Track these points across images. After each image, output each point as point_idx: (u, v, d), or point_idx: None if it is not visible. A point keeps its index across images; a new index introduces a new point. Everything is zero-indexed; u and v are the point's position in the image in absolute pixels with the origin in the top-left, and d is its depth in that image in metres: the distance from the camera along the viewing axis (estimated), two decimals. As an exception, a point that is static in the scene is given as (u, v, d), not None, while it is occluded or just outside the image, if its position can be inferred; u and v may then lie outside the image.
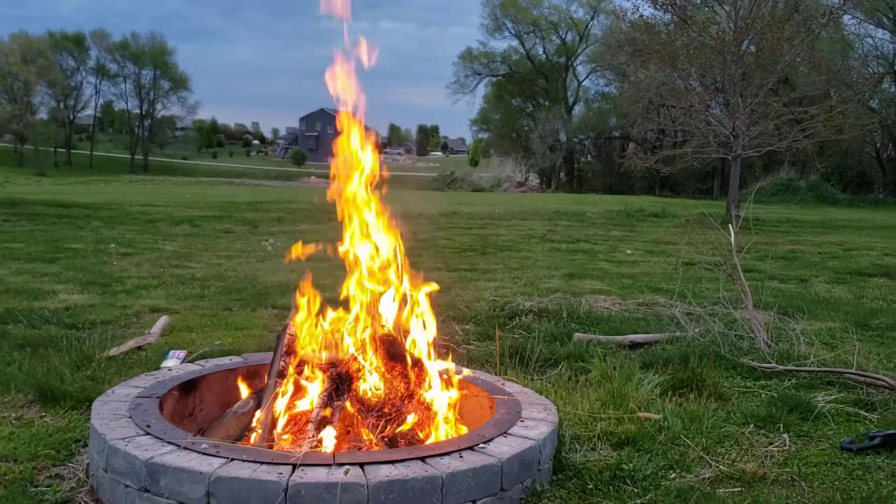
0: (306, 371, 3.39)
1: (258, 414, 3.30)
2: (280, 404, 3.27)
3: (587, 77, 61.87)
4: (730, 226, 6.24)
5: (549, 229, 16.37)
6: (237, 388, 3.78)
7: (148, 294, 7.04)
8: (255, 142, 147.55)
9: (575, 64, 62.50)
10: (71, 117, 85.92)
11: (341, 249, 3.61)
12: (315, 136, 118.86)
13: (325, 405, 3.16)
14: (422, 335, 3.59)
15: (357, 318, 3.53)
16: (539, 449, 3.05)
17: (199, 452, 2.73)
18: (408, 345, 3.54)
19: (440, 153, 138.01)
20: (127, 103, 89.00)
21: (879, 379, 4.61)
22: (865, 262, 11.55)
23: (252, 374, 3.79)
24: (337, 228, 3.64)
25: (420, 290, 3.62)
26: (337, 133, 3.58)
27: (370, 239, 3.60)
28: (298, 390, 3.36)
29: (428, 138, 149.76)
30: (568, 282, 8.59)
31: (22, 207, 16.04)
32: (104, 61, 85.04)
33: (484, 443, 2.96)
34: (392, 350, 3.47)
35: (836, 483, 3.26)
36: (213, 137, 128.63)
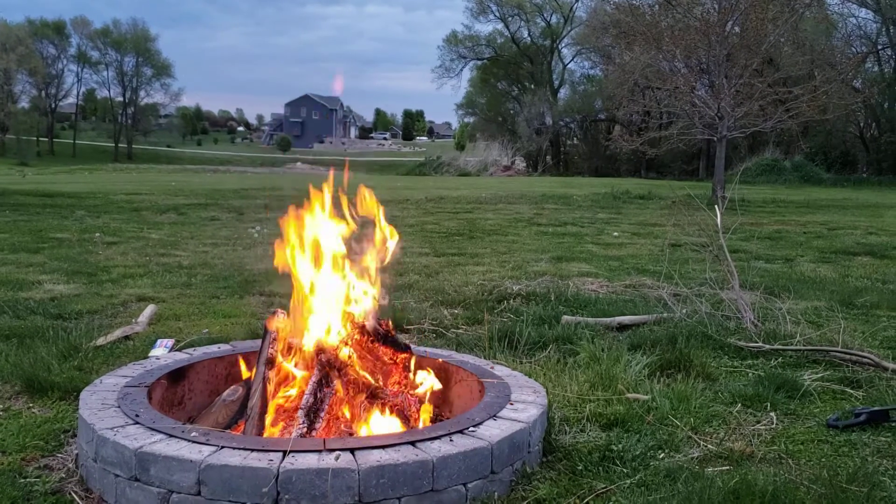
0: (295, 358, 3.39)
1: (248, 401, 3.30)
2: (269, 391, 3.26)
3: (572, 60, 61.75)
4: (716, 207, 6.28)
5: (535, 213, 16.38)
6: (226, 376, 3.78)
7: (134, 283, 7.00)
8: (240, 128, 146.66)
9: (560, 46, 62.35)
10: (53, 106, 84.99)
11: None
12: (300, 122, 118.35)
13: (314, 391, 3.15)
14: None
15: (345, 305, 3.52)
16: (529, 431, 3.06)
17: (188, 441, 2.73)
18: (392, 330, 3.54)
19: (426, 138, 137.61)
20: (109, 91, 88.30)
21: (864, 356, 4.65)
22: (850, 241, 11.64)
23: (240, 362, 3.78)
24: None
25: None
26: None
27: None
28: (288, 377, 3.36)
29: (414, 123, 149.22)
30: (555, 265, 8.61)
31: (5, 197, 15.89)
32: (85, 49, 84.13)
33: (474, 426, 2.97)
34: (380, 335, 3.47)
35: (823, 460, 3.29)
36: (198, 124, 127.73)
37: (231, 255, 9.14)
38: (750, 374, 4.49)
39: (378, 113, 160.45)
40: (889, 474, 3.11)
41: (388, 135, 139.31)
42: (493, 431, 2.94)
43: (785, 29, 21.36)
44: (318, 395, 3.16)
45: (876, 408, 3.74)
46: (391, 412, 3.29)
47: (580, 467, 3.12)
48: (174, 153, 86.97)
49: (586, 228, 13.31)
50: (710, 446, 3.38)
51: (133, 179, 30.46)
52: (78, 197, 16.93)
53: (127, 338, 4.95)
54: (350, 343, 3.41)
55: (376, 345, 3.47)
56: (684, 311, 5.71)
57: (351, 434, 3.10)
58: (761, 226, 13.56)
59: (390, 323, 3.59)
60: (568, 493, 2.91)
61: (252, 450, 2.66)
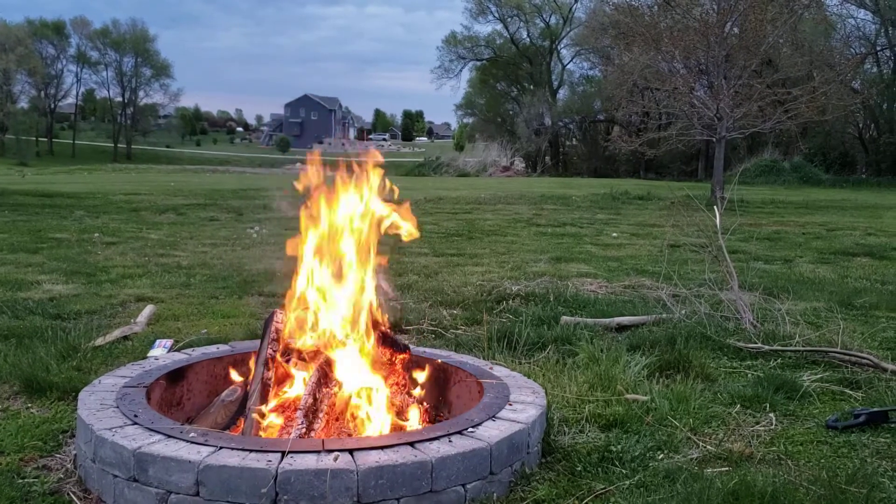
0: (294, 358, 3.38)
1: (247, 402, 3.29)
2: (268, 392, 3.26)
3: (571, 60, 61.74)
4: (714, 207, 6.27)
5: (535, 213, 16.38)
6: (224, 377, 3.77)
7: (133, 283, 7.00)
8: (239, 129, 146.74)
9: (559, 47, 62.33)
10: (52, 106, 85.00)
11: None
12: (299, 123, 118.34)
13: (313, 392, 3.15)
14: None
15: (345, 304, 3.52)
16: (528, 432, 3.06)
17: (187, 441, 2.72)
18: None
19: (425, 138, 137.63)
20: (109, 91, 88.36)
21: (863, 357, 4.65)
22: (849, 241, 11.64)
23: (239, 362, 3.78)
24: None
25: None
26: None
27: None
28: (286, 377, 3.35)
29: (413, 123, 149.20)
30: (554, 265, 8.61)
31: (4, 197, 15.88)
32: (85, 49, 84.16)
33: (473, 427, 2.97)
34: (381, 335, 3.47)
35: (822, 461, 3.29)
36: (197, 125, 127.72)
37: (230, 255, 9.14)
38: (749, 375, 4.49)
39: (378, 113, 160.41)
40: (888, 475, 3.11)
41: (387, 135, 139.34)
42: (491, 432, 2.94)
43: (784, 30, 21.38)
44: (317, 396, 3.15)
45: (875, 409, 3.74)
46: (390, 412, 3.29)
47: (579, 468, 3.12)
48: (173, 153, 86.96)
49: (585, 229, 13.31)
50: (709, 447, 3.38)
51: (132, 179, 30.45)
52: (77, 197, 16.92)
53: (126, 338, 4.95)
54: (351, 343, 3.40)
55: (376, 345, 3.47)
56: (683, 311, 5.71)
57: (349, 434, 3.10)
58: (760, 226, 13.56)
59: (388, 323, 3.58)
60: (567, 494, 2.90)
61: (251, 450, 2.66)
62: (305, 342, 3.43)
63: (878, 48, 38.68)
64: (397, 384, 3.45)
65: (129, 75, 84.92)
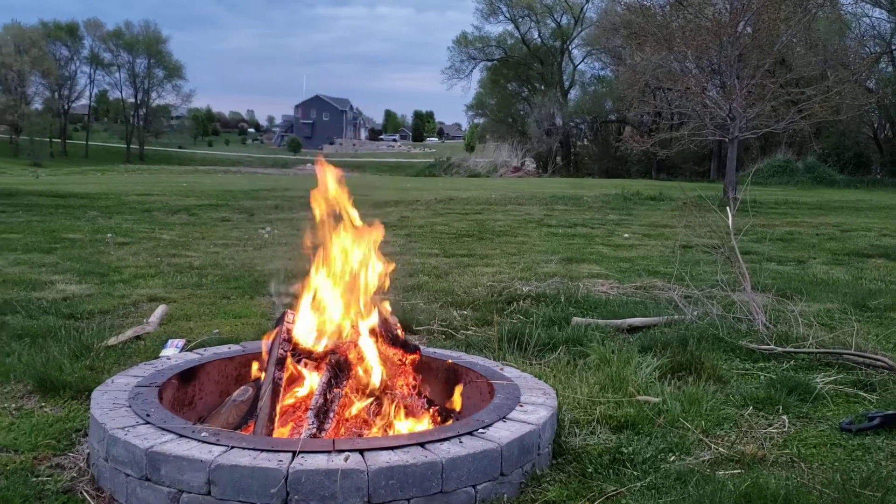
0: (305, 358, 3.39)
1: (258, 402, 3.30)
2: (279, 392, 3.26)
3: (583, 61, 61.62)
4: (727, 208, 6.24)
5: (546, 214, 16.35)
6: (236, 377, 3.78)
7: (145, 283, 7.03)
8: (251, 130, 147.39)
9: (570, 47, 62.22)
10: (66, 107, 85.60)
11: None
12: (311, 124, 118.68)
13: (324, 392, 3.15)
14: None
15: (356, 305, 3.52)
16: (538, 433, 3.05)
17: (199, 441, 2.73)
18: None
19: (436, 139, 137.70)
20: (122, 92, 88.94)
21: (878, 359, 4.62)
22: (863, 242, 11.56)
23: (251, 362, 3.79)
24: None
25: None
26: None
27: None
28: (298, 377, 3.36)
29: (424, 124, 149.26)
30: (565, 266, 8.59)
31: (18, 198, 16.00)
32: (98, 50, 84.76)
33: (483, 428, 2.97)
34: (391, 336, 3.47)
35: (836, 464, 3.26)
36: (209, 126, 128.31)
37: (242, 255, 9.17)
38: (762, 377, 4.47)
39: (388, 115, 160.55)
40: (903, 478, 3.08)
41: (397, 136, 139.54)
42: (502, 433, 2.93)
43: (797, 29, 21.23)
44: (328, 396, 3.16)
45: (890, 411, 3.71)
46: (400, 413, 3.29)
47: (590, 470, 3.11)
48: (185, 154, 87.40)
49: (597, 230, 13.27)
50: (721, 449, 3.36)
51: (145, 180, 30.60)
52: (90, 198, 17.02)
53: (138, 338, 4.97)
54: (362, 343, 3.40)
55: (386, 346, 3.47)
56: (695, 312, 5.68)
57: (360, 435, 3.10)
58: (773, 227, 13.48)
59: (399, 323, 3.59)
60: (578, 496, 2.89)
61: (262, 450, 2.67)
62: (316, 343, 3.43)
63: (893, 47, 38.41)
64: (407, 385, 3.45)
65: (141, 76, 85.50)
